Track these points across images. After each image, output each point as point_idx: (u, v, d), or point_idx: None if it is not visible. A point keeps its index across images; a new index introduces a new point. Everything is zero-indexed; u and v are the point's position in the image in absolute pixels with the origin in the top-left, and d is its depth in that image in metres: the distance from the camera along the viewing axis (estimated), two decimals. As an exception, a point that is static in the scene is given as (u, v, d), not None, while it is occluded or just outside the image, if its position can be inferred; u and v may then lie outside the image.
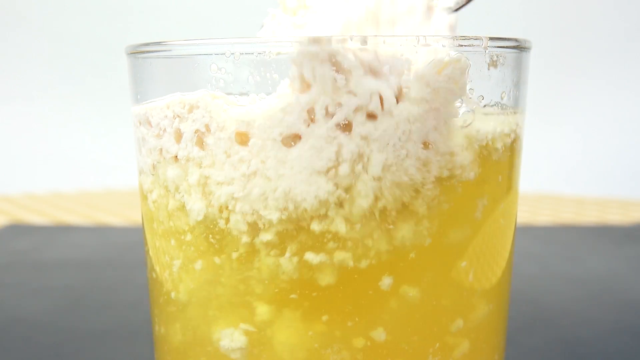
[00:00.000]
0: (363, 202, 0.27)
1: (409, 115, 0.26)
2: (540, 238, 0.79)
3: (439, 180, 0.28)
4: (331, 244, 0.27)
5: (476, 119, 0.28)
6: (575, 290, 0.59)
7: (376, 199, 0.27)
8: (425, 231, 0.28)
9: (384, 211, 0.27)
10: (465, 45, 0.27)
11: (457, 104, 0.27)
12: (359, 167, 0.26)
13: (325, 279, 0.28)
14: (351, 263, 0.27)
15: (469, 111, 0.28)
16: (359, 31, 0.29)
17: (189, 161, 0.28)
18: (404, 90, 0.27)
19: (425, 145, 0.27)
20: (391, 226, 0.27)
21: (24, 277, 0.63)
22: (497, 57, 0.29)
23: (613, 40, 1.39)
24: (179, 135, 0.29)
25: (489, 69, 0.29)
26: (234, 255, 0.28)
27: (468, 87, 0.27)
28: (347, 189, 0.27)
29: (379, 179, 0.27)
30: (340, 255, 0.27)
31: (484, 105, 0.29)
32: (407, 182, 0.27)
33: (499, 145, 0.30)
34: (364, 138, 0.26)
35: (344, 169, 0.26)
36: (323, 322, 0.28)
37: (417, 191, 0.27)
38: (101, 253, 0.72)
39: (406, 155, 0.27)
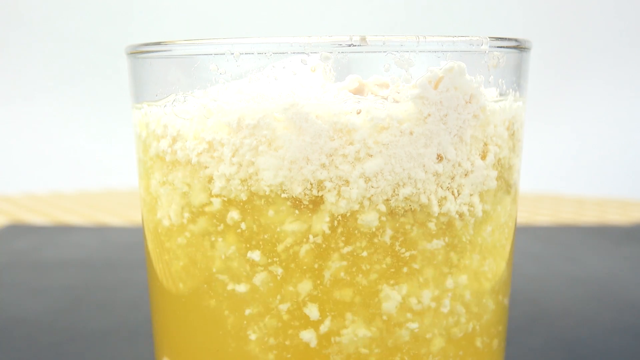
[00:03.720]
0: None
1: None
2: (540, 238, 0.79)
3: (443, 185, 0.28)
4: None
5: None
6: (575, 290, 0.59)
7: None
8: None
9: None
10: (465, 46, 0.28)
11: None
12: None
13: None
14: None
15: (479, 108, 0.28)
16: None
17: None
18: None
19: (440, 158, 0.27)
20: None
21: (24, 277, 0.63)
22: (497, 57, 0.29)
23: (613, 40, 1.39)
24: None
25: (489, 69, 0.29)
26: None
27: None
28: None
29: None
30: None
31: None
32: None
33: (499, 145, 0.30)
34: None
35: None
36: None
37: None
38: (101, 253, 0.72)
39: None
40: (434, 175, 0.27)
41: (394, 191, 0.27)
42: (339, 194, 0.27)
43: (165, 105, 0.30)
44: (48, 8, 1.36)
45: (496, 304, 0.32)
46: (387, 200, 0.27)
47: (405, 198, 0.27)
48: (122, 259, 0.69)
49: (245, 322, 0.29)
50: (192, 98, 0.29)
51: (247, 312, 0.29)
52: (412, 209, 0.27)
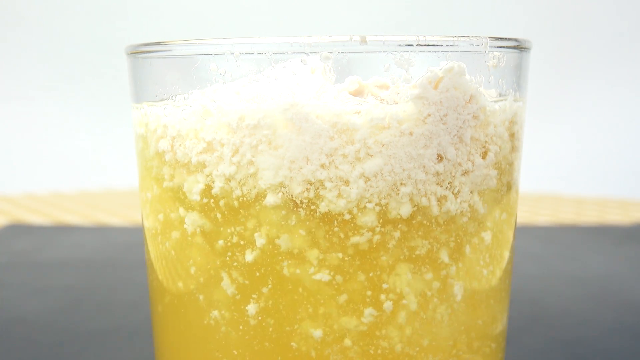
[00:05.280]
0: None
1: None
2: (540, 238, 0.79)
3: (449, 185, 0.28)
4: None
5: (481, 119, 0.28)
6: (575, 290, 0.59)
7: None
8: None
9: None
10: (465, 46, 0.28)
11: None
12: None
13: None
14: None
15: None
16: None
17: None
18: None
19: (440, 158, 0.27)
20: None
21: (24, 277, 0.63)
22: (497, 57, 0.29)
23: (613, 40, 1.39)
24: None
25: (489, 70, 0.29)
26: None
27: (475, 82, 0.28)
28: None
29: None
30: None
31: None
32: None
33: (499, 145, 0.30)
34: None
35: None
36: None
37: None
38: (101, 253, 0.72)
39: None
40: (434, 176, 0.27)
41: (394, 191, 0.27)
42: (338, 194, 0.27)
43: (165, 106, 0.30)
44: (48, 8, 1.36)
45: (496, 303, 0.32)
46: (387, 200, 0.27)
47: (405, 198, 0.27)
48: (122, 259, 0.69)
49: (245, 321, 0.29)
50: (192, 98, 0.29)
51: (247, 311, 0.29)
52: (412, 209, 0.27)
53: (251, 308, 0.29)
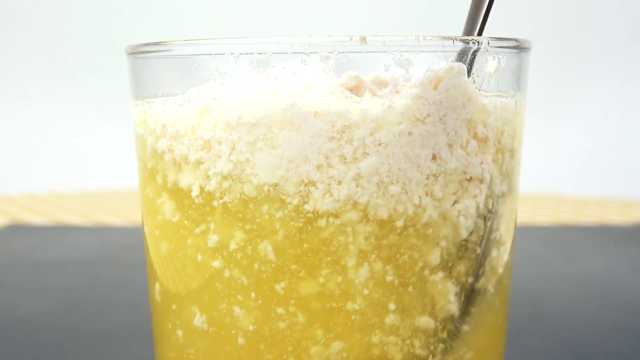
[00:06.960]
0: None
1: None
2: (540, 238, 0.79)
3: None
4: None
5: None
6: (575, 290, 0.59)
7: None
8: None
9: None
10: (465, 46, 0.28)
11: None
12: None
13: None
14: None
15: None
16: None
17: None
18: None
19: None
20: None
21: (24, 277, 0.63)
22: (497, 57, 0.29)
23: (613, 40, 1.39)
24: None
25: (489, 69, 0.29)
26: None
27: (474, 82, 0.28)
28: None
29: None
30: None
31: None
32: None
33: (498, 145, 0.30)
34: None
35: None
36: None
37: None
38: (101, 253, 0.72)
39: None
40: (431, 176, 0.27)
41: (390, 191, 0.27)
42: (337, 192, 0.27)
43: (164, 105, 0.30)
44: (48, 8, 1.36)
45: (496, 304, 0.32)
46: (383, 199, 0.27)
47: (401, 198, 0.27)
48: (122, 259, 0.70)
49: (243, 318, 0.29)
50: (192, 97, 0.29)
51: (243, 310, 0.29)
52: (407, 209, 0.27)
53: (248, 306, 0.29)
